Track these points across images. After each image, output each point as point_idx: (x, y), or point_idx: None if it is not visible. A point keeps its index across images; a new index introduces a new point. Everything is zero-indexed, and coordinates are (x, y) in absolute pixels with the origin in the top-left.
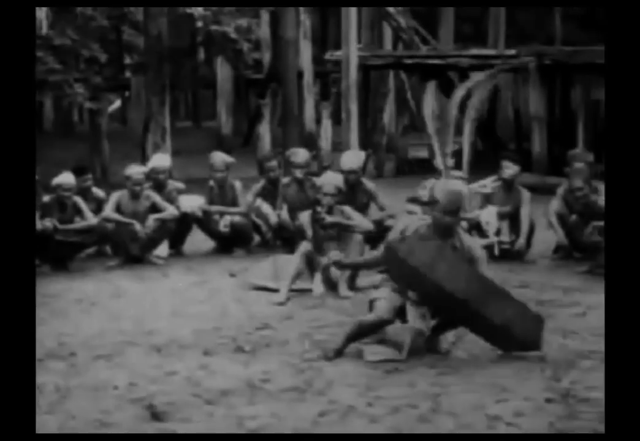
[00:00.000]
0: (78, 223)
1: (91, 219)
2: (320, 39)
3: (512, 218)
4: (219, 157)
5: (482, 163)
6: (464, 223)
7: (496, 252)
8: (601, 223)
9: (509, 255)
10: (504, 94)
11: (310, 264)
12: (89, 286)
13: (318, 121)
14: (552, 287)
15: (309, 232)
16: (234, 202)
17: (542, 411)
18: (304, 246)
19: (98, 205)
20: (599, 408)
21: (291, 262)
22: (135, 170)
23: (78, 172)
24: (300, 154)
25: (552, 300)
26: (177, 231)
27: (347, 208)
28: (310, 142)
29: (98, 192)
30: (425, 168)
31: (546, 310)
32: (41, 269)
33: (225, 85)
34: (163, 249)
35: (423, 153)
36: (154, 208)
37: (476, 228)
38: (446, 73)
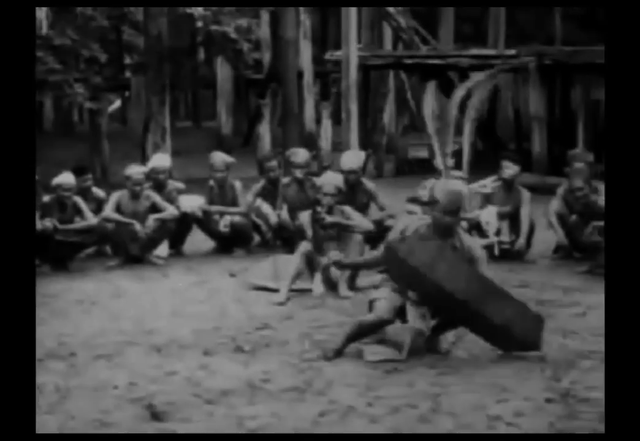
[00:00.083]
0: (78, 223)
1: (91, 219)
2: (320, 39)
3: (512, 218)
4: (219, 157)
5: (482, 163)
6: (464, 223)
7: (496, 252)
8: (601, 223)
9: (509, 255)
10: (504, 94)
11: (310, 264)
12: (89, 286)
13: (318, 121)
14: (552, 287)
15: (309, 232)
16: (234, 202)
17: (542, 411)
18: (304, 246)
19: (98, 205)
20: (598, 408)
21: (291, 262)
22: (135, 170)
23: (78, 172)
24: (300, 154)
25: (552, 300)
26: (177, 231)
27: (347, 208)
28: (310, 142)
29: (98, 192)
30: (425, 168)
31: (546, 310)
32: (41, 269)
33: (225, 85)
34: (163, 249)
35: (423, 153)
36: (154, 208)
37: (476, 228)
38: (446, 73)
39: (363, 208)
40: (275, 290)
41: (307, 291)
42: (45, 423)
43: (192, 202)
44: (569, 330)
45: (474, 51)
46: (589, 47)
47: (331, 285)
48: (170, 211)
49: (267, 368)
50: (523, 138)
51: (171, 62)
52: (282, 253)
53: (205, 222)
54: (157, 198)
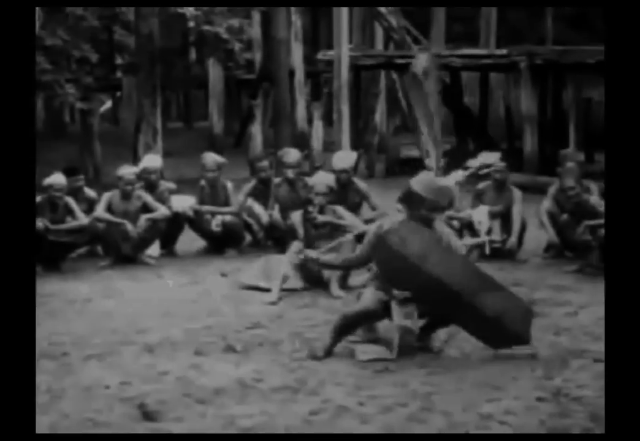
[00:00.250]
0: (69, 223)
1: (82, 219)
2: (312, 39)
3: (504, 218)
4: (211, 158)
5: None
6: (455, 222)
7: (487, 251)
8: (592, 222)
9: (500, 254)
10: (496, 94)
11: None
12: (81, 286)
13: (310, 121)
14: (543, 286)
15: (301, 232)
16: (225, 202)
17: (534, 409)
18: (296, 246)
19: (89, 206)
20: (590, 407)
21: (282, 262)
22: (126, 171)
23: (69, 172)
24: (291, 154)
25: (544, 298)
26: (168, 231)
27: (339, 208)
28: (302, 142)
29: (89, 192)
30: (417, 168)
31: (538, 309)
32: None
33: (216, 86)
34: (155, 249)
35: (414, 153)
36: (146, 209)
37: (468, 227)
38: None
39: (355, 208)
40: (267, 290)
41: (298, 290)
42: (37, 422)
43: (184, 202)
44: (560, 328)
45: (466, 51)
46: (580, 46)
47: (313, 281)
48: (161, 211)
49: (258, 367)
50: (515, 137)
51: (163, 62)
52: (274, 253)
53: (197, 222)
54: (148, 198)
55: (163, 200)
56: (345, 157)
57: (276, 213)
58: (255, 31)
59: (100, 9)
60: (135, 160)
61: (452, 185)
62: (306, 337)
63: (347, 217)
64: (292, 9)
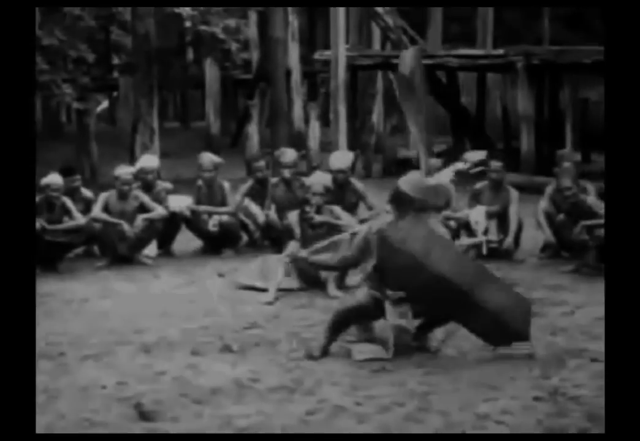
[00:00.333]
0: (66, 224)
1: (79, 219)
2: (308, 39)
3: (501, 218)
4: (208, 157)
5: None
6: (452, 222)
7: (484, 251)
8: (589, 222)
9: (497, 254)
10: (493, 94)
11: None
12: (78, 286)
13: (306, 121)
14: (540, 286)
15: (297, 232)
16: (222, 202)
17: (531, 409)
18: (292, 246)
19: (86, 206)
20: (587, 406)
21: (279, 262)
22: (123, 171)
23: (66, 172)
24: (288, 154)
25: (540, 298)
26: (165, 231)
27: (336, 208)
28: (298, 142)
29: (86, 192)
30: (413, 168)
31: (535, 309)
32: None
33: (213, 86)
34: (152, 249)
35: (411, 153)
36: (143, 209)
37: (465, 227)
38: (434, 73)
39: (352, 208)
40: (264, 290)
41: (294, 291)
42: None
43: (181, 202)
44: (557, 328)
45: (463, 51)
46: (577, 46)
47: (308, 279)
48: (158, 211)
49: (255, 367)
50: (511, 137)
51: (159, 62)
52: (271, 253)
53: (194, 222)
54: (145, 198)
55: (160, 200)
56: (342, 157)
57: (273, 214)
58: (252, 31)
59: (96, 9)
60: (132, 160)
61: (445, 182)
62: (303, 337)
63: (344, 217)
64: (289, 9)
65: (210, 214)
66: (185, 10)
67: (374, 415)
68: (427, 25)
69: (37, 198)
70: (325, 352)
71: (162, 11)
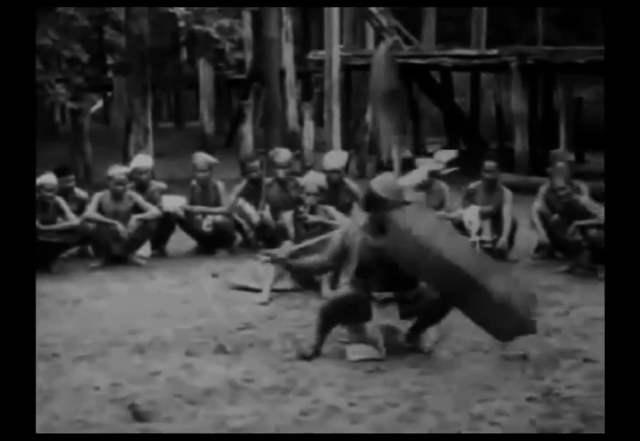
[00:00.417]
0: (60, 224)
1: (73, 220)
2: (302, 39)
3: (494, 218)
4: (202, 157)
5: (466, 163)
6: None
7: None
8: (583, 222)
9: (490, 254)
10: (487, 94)
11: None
12: (72, 287)
13: (300, 121)
14: (534, 286)
15: (291, 232)
16: (216, 202)
17: (524, 410)
18: (286, 246)
19: (80, 206)
20: (580, 407)
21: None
22: (117, 171)
23: (60, 172)
24: (282, 154)
25: None
26: (159, 231)
27: (330, 208)
28: (293, 142)
29: (80, 192)
30: (407, 168)
31: None
32: None
33: (207, 86)
34: (145, 249)
35: (406, 153)
36: (137, 209)
37: (459, 227)
38: (428, 73)
39: (346, 208)
40: (258, 290)
41: (289, 291)
42: None
43: (175, 202)
44: (551, 328)
45: (457, 51)
46: (571, 46)
47: (312, 285)
48: (152, 211)
49: (249, 368)
50: (505, 137)
51: (153, 62)
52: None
53: (188, 222)
54: (139, 198)
55: (154, 201)
56: (336, 157)
57: (267, 214)
58: (246, 31)
59: (90, 9)
60: (126, 160)
61: (418, 181)
62: (297, 338)
63: (338, 217)
64: (283, 9)
65: (204, 214)
66: (179, 10)
67: (368, 415)
68: (421, 25)
69: None
70: (317, 352)
71: (156, 11)
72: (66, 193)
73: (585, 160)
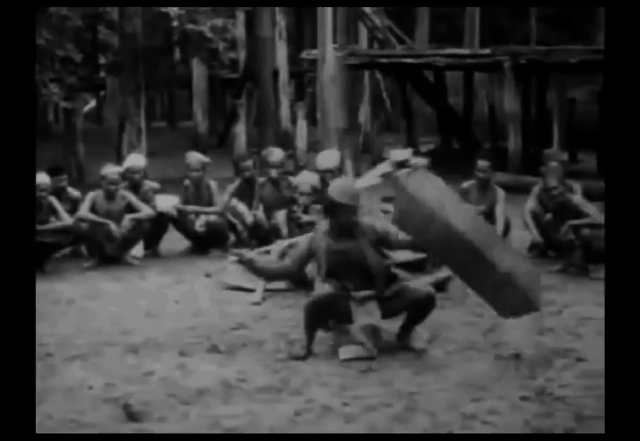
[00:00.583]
0: (53, 224)
1: (66, 219)
2: (296, 39)
3: (488, 217)
4: (195, 157)
5: (459, 162)
6: None
7: None
8: (576, 222)
9: None
10: (480, 93)
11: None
12: (65, 286)
13: (294, 121)
14: None
15: (285, 231)
16: (209, 202)
17: (518, 409)
18: (280, 245)
19: (73, 205)
20: (573, 406)
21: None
22: (110, 170)
23: (53, 172)
24: (275, 154)
25: None
26: (152, 231)
27: None
28: (286, 141)
29: (73, 192)
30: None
31: None
32: None
33: (200, 85)
34: (139, 249)
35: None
36: (130, 208)
37: None
38: (422, 72)
39: None
40: (251, 290)
41: (282, 291)
42: None
43: (168, 202)
44: (544, 328)
45: (450, 50)
46: (564, 46)
47: (305, 285)
48: (145, 211)
49: (243, 367)
50: (498, 137)
51: (146, 61)
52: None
53: (181, 222)
54: (132, 198)
55: (147, 200)
56: (329, 157)
57: (260, 213)
58: (239, 30)
59: (83, 9)
60: (119, 159)
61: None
62: (290, 338)
63: None
64: (277, 8)
65: (197, 214)
66: (173, 10)
67: (361, 415)
68: (414, 24)
69: None
70: (310, 351)
71: (150, 10)
72: (59, 193)
73: (578, 159)
